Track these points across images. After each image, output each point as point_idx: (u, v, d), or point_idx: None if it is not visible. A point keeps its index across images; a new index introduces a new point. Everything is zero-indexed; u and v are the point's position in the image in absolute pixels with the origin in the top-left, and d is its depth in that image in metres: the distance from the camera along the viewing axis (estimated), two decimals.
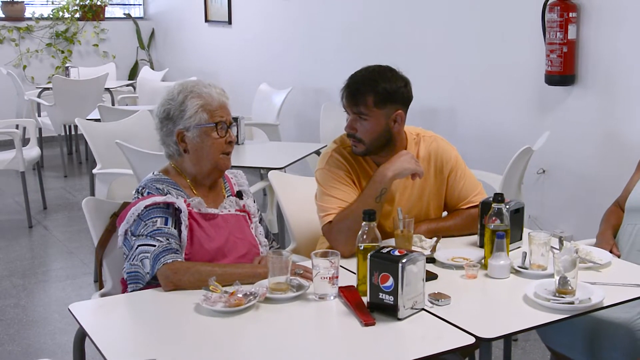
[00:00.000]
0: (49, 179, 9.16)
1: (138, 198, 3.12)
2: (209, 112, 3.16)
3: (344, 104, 3.39)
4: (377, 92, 3.31)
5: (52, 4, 11.54)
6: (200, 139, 3.16)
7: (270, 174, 4.05)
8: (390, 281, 2.59)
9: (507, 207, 3.14)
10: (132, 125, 6.30)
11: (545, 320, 2.67)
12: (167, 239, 3.00)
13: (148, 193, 3.11)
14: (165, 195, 3.10)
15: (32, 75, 11.18)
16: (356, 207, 3.25)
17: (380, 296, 2.62)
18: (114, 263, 3.34)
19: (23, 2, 11.26)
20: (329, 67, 7.95)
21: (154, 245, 2.98)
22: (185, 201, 3.11)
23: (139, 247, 3.00)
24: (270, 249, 3.40)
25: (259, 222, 3.41)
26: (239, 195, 3.36)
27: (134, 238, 3.04)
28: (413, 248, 3.21)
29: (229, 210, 3.27)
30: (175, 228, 3.06)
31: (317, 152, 5.85)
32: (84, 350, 2.75)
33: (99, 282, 3.45)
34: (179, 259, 2.97)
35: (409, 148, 3.49)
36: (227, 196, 3.33)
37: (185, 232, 3.07)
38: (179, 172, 3.25)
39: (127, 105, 9.53)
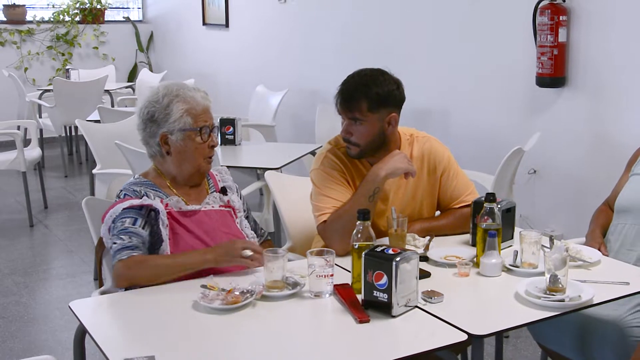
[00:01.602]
0: (50, 179, 9.15)
1: (116, 201, 3.15)
2: (193, 117, 3.17)
3: (339, 109, 3.39)
4: (370, 98, 3.31)
5: (53, 7, 11.52)
6: (184, 143, 3.17)
7: (267, 174, 4.05)
8: (385, 279, 2.59)
9: (499, 206, 3.14)
10: (131, 126, 6.18)
11: (536, 317, 2.68)
12: (130, 237, 3.02)
13: (125, 195, 3.14)
14: (142, 197, 3.12)
15: (33, 77, 11.17)
16: (350, 206, 3.25)
17: (375, 294, 2.62)
18: None
19: (24, 5, 11.24)
20: (325, 70, 7.95)
21: (116, 244, 3.01)
22: (162, 201, 3.13)
23: (111, 247, 3.05)
24: (259, 238, 3.46)
25: (247, 216, 3.44)
26: (223, 191, 3.37)
27: (109, 239, 3.08)
28: (407, 247, 3.20)
29: (212, 206, 3.28)
30: (144, 228, 3.07)
31: (313, 153, 5.85)
32: (84, 347, 2.75)
33: (98, 280, 3.46)
34: (135, 254, 2.98)
35: (403, 148, 3.50)
36: (211, 192, 3.34)
37: (165, 231, 3.09)
38: (159, 173, 3.27)
39: (126, 106, 9.50)
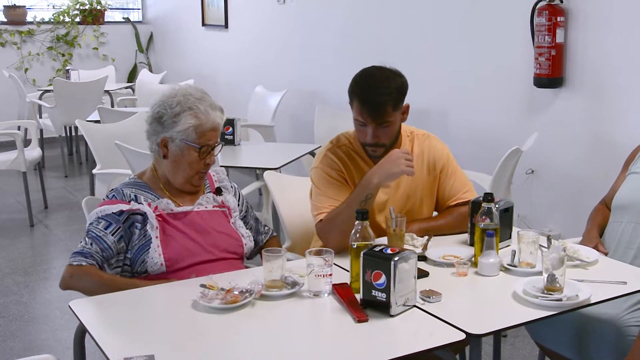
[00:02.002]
0: (50, 179, 9.14)
1: (104, 200, 3.18)
2: (199, 134, 3.16)
3: (365, 118, 3.32)
4: (393, 98, 3.30)
5: (53, 8, 11.52)
6: (181, 153, 3.18)
7: (266, 174, 4.05)
8: (383, 279, 2.59)
9: (497, 206, 3.14)
10: (131, 126, 6.29)
11: (534, 316, 2.67)
12: (91, 243, 3.06)
13: (113, 197, 3.17)
14: (130, 200, 3.15)
15: (33, 77, 11.16)
16: (344, 208, 3.26)
17: (373, 293, 2.62)
18: None
19: (25, 6, 11.24)
20: (324, 71, 7.95)
21: (79, 245, 3.08)
22: (150, 204, 3.15)
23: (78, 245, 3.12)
24: (263, 236, 3.51)
25: (245, 219, 3.45)
26: (218, 191, 3.37)
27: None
28: (405, 246, 3.21)
29: (205, 207, 3.29)
30: (114, 234, 3.09)
31: (312, 153, 5.85)
32: (84, 346, 2.74)
33: None
34: (84, 264, 3.02)
35: (403, 146, 3.52)
36: (206, 193, 3.35)
37: (154, 233, 3.11)
38: (155, 173, 3.29)
39: (126, 107, 9.51)
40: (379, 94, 3.30)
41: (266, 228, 3.57)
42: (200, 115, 3.16)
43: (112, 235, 3.08)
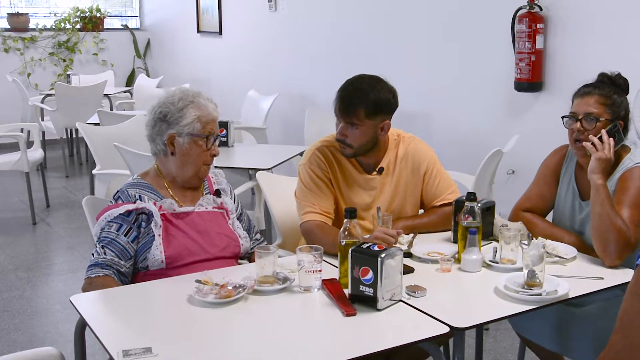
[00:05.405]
0: (52, 179, 9.12)
1: (110, 204, 3.17)
2: (203, 124, 3.18)
3: (337, 113, 3.40)
4: (368, 105, 3.32)
5: (55, 15, 11.50)
6: (189, 146, 3.18)
7: (258, 174, 4.05)
8: (370, 274, 2.58)
9: (479, 205, 3.14)
10: (129, 128, 6.28)
11: (515, 310, 2.68)
12: (105, 252, 3.04)
13: (119, 198, 3.16)
14: (135, 200, 3.13)
15: (36, 82, 11.12)
16: (323, 241, 3.17)
17: (361, 288, 2.62)
18: None
19: (27, 14, 11.21)
20: (313, 75, 7.94)
21: (93, 256, 3.07)
22: (155, 204, 3.14)
23: (92, 254, 3.10)
24: (255, 241, 3.48)
25: (240, 217, 3.44)
26: (217, 193, 3.36)
27: (95, 242, 3.13)
28: None
29: (206, 208, 3.28)
30: (127, 235, 3.09)
31: (302, 154, 5.84)
32: (84, 339, 2.74)
33: None
34: (101, 274, 3.01)
35: (390, 148, 3.53)
36: (205, 194, 3.34)
37: (157, 231, 3.10)
38: (159, 172, 3.28)
39: (124, 110, 9.49)
40: (355, 95, 3.33)
41: (258, 235, 3.55)
42: (202, 107, 3.20)
43: (125, 235, 3.07)
